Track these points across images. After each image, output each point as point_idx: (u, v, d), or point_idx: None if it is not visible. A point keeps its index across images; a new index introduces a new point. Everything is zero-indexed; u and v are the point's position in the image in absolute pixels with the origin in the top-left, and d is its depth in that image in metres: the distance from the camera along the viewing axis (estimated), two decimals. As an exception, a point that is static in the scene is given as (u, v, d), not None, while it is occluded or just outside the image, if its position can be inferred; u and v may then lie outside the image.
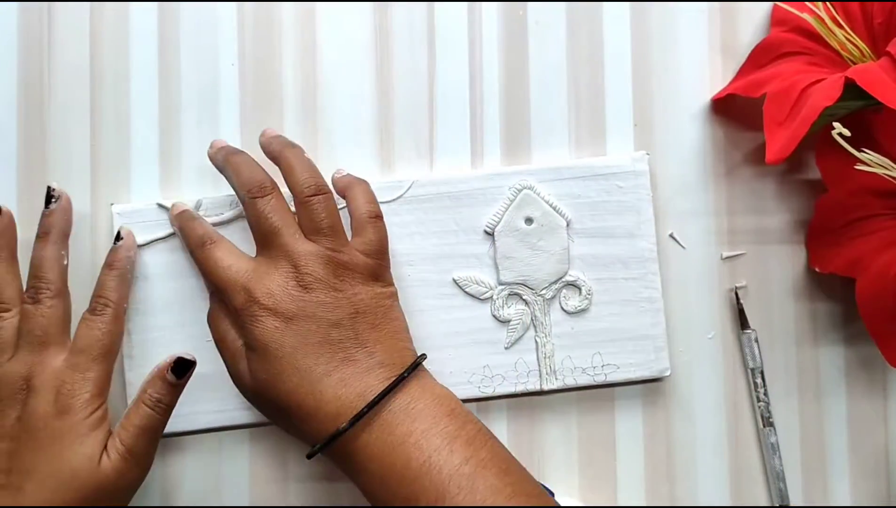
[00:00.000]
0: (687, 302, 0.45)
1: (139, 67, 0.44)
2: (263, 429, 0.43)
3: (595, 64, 0.45)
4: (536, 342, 0.44)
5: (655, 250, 0.44)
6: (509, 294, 0.44)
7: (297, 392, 0.36)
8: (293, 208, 0.39)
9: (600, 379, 0.44)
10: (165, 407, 0.39)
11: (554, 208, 0.44)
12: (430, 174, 0.45)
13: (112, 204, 0.43)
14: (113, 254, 0.41)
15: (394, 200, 0.43)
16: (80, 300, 0.41)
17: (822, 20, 0.42)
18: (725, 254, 0.45)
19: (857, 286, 0.42)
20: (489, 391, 0.43)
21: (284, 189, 0.40)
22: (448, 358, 0.43)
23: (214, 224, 0.43)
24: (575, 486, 0.44)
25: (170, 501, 0.43)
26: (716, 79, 0.46)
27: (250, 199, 0.38)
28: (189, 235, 0.40)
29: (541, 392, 0.44)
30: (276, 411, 0.37)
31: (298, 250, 0.37)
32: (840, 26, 0.42)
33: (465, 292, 0.44)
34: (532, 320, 0.44)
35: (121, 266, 0.41)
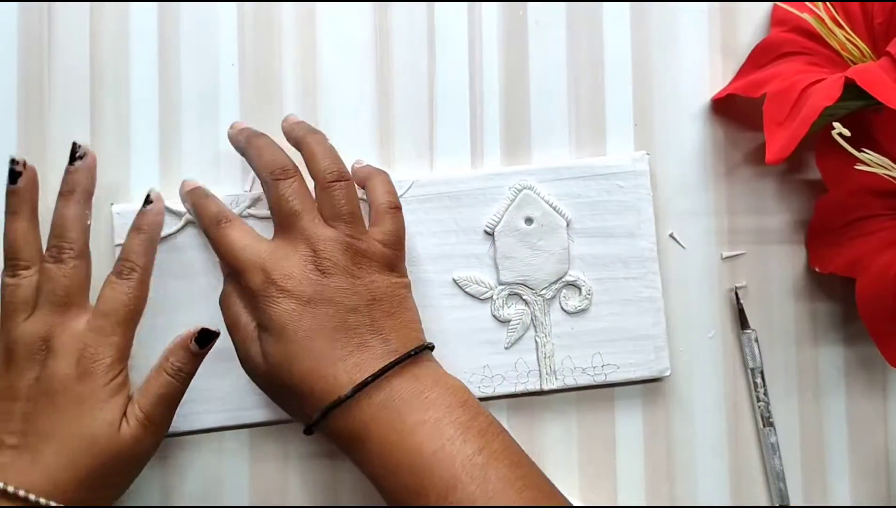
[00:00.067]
0: (687, 302, 0.45)
1: (139, 67, 0.44)
2: (263, 429, 0.43)
3: (595, 64, 0.45)
4: (536, 342, 0.44)
5: (655, 250, 0.44)
6: (509, 294, 0.44)
7: (311, 375, 0.35)
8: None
9: (600, 379, 0.44)
10: (186, 376, 0.39)
11: (554, 208, 0.44)
12: (430, 174, 0.45)
13: (112, 204, 0.43)
14: (141, 217, 0.41)
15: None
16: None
17: (822, 20, 0.42)
18: (725, 254, 0.45)
19: (857, 286, 0.42)
20: (489, 391, 0.43)
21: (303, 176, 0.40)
22: (448, 358, 0.43)
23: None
24: (575, 486, 0.44)
25: (170, 501, 0.43)
26: (716, 79, 0.46)
27: (273, 180, 0.38)
28: (203, 213, 0.40)
29: (541, 392, 0.44)
30: (287, 394, 0.37)
31: (318, 234, 0.37)
32: (840, 26, 0.42)
33: (465, 292, 0.44)
34: (532, 320, 0.44)
35: (149, 230, 0.40)
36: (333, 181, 0.38)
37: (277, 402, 0.39)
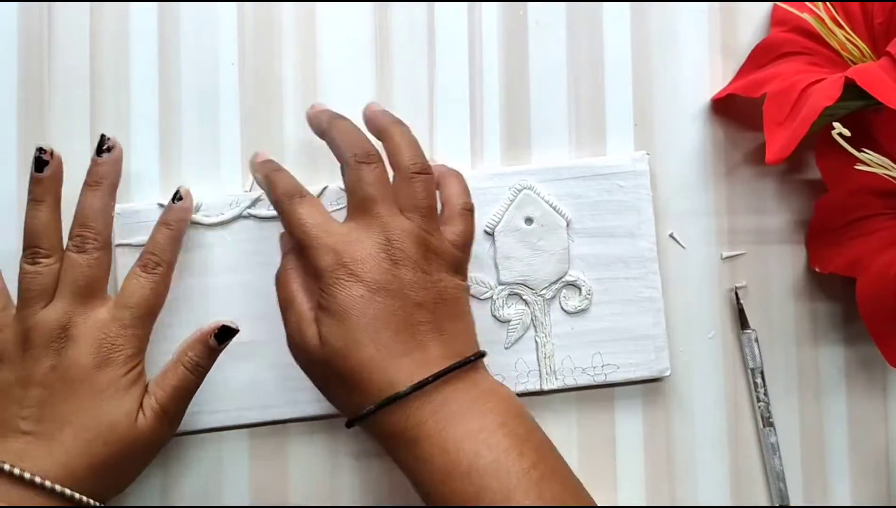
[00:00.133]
0: (687, 302, 0.45)
1: (139, 67, 0.44)
2: (263, 429, 0.43)
3: (595, 64, 0.45)
4: (536, 342, 0.44)
5: (655, 250, 0.44)
6: (509, 294, 0.44)
7: (369, 366, 0.35)
8: None
9: (600, 379, 0.44)
10: (203, 370, 0.39)
11: (554, 208, 0.44)
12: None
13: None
14: (169, 212, 0.41)
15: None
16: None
17: (822, 20, 0.42)
18: (725, 254, 0.45)
19: (857, 286, 0.42)
20: (489, 391, 0.43)
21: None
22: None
23: (214, 225, 0.43)
24: (575, 486, 0.44)
25: (170, 501, 0.43)
26: (716, 79, 0.46)
27: (356, 163, 0.37)
28: (276, 185, 0.39)
29: (541, 392, 0.44)
30: (337, 382, 0.36)
31: (393, 224, 0.36)
32: (840, 26, 0.42)
33: (465, 292, 0.44)
34: (532, 320, 0.44)
35: (176, 226, 0.41)
36: (416, 173, 0.38)
37: (322, 389, 0.38)
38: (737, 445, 0.45)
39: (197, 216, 0.43)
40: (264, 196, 0.43)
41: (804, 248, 0.45)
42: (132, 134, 0.44)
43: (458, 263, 0.38)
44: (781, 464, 0.44)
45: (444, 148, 0.45)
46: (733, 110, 0.45)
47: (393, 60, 0.45)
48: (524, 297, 0.44)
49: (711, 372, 0.45)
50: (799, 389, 0.45)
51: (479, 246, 0.44)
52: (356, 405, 0.35)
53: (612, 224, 0.44)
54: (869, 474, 0.45)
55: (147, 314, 0.39)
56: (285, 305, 0.38)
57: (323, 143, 0.45)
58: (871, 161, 0.40)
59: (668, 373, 0.44)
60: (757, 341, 0.44)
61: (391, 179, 0.38)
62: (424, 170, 0.38)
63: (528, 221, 0.44)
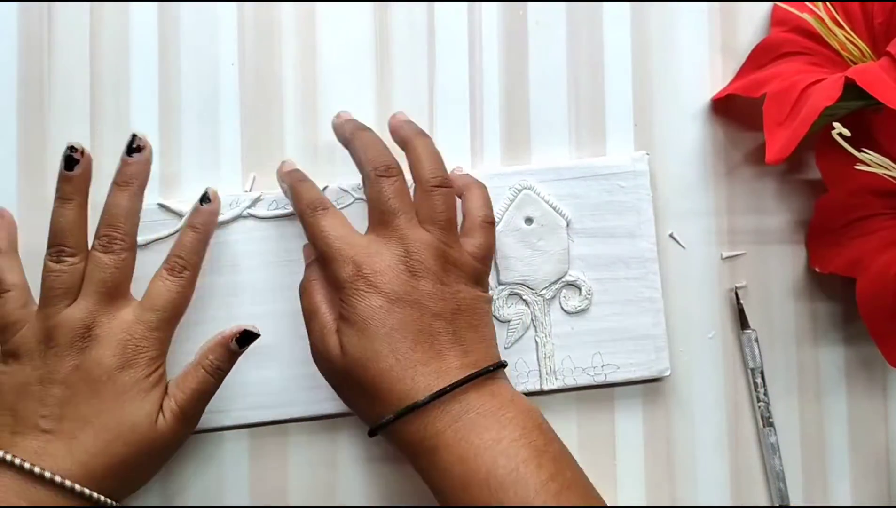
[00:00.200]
0: (687, 302, 0.45)
1: (139, 67, 0.44)
2: (263, 429, 0.43)
3: (595, 64, 0.45)
4: (536, 342, 0.44)
5: (655, 250, 0.44)
6: (509, 294, 0.44)
7: (388, 375, 0.35)
8: None
9: (600, 379, 0.44)
10: (222, 373, 0.40)
11: (554, 208, 0.44)
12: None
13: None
14: (196, 215, 0.41)
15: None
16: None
17: (822, 20, 0.42)
18: (725, 254, 0.45)
19: (857, 286, 0.42)
20: (489, 391, 0.43)
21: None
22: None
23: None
24: (575, 486, 0.44)
25: (170, 501, 0.43)
26: (716, 79, 0.46)
27: (376, 176, 0.38)
28: (301, 196, 0.39)
29: (541, 392, 0.44)
30: (358, 391, 0.36)
31: (413, 236, 0.37)
32: (840, 26, 0.42)
33: (465, 292, 0.44)
34: (532, 320, 0.44)
35: (203, 229, 0.41)
36: (436, 186, 0.38)
37: (344, 398, 0.38)
38: (737, 445, 0.45)
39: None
40: (264, 196, 0.43)
41: (804, 248, 0.45)
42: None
43: (478, 274, 0.39)
44: (781, 464, 0.44)
45: (444, 148, 0.44)
46: (733, 110, 0.45)
47: (393, 60, 0.45)
48: (524, 297, 0.44)
49: (711, 372, 0.45)
50: (799, 389, 0.45)
51: (479, 246, 0.44)
52: (376, 414, 0.36)
53: (612, 224, 0.44)
54: (869, 474, 0.45)
55: (172, 317, 0.39)
56: (309, 315, 0.38)
57: (323, 143, 0.45)
58: (871, 161, 0.40)
59: (668, 373, 0.44)
60: (757, 341, 0.44)
61: (411, 190, 0.39)
62: (444, 183, 0.39)
63: (528, 221, 0.44)
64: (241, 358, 0.40)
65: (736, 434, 0.45)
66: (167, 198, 0.43)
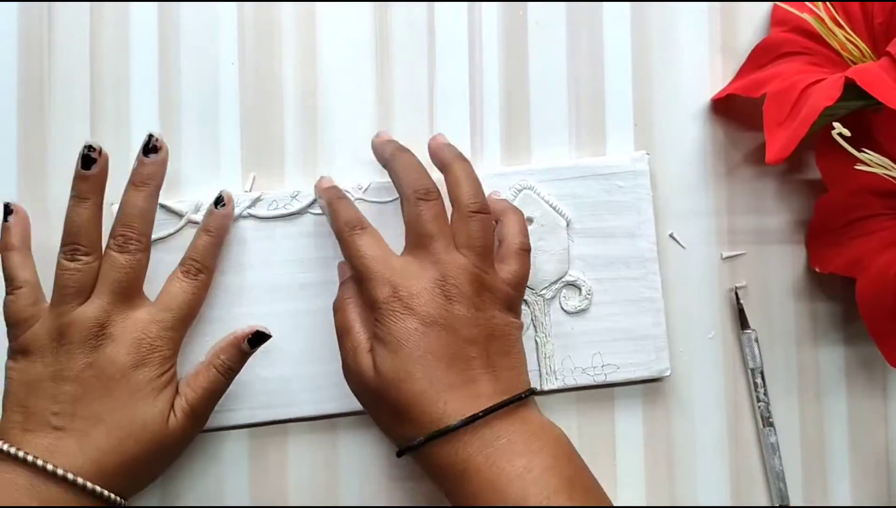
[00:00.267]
0: (687, 302, 0.45)
1: (139, 67, 0.44)
2: (264, 429, 0.43)
3: (595, 64, 0.45)
4: (536, 342, 0.44)
5: (655, 250, 0.44)
6: (509, 294, 0.44)
7: (421, 398, 0.35)
8: None
9: (600, 379, 0.44)
10: (233, 373, 0.40)
11: (554, 208, 0.44)
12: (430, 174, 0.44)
13: (112, 204, 0.43)
14: (211, 218, 0.41)
15: (394, 200, 0.43)
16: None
17: (822, 20, 0.42)
18: (725, 254, 0.45)
19: (857, 286, 0.42)
20: (489, 391, 0.43)
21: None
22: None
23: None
24: (575, 486, 0.44)
25: (170, 501, 0.43)
26: (716, 79, 0.46)
27: (416, 199, 0.38)
28: (339, 215, 0.40)
29: (541, 392, 0.44)
30: (390, 412, 0.36)
31: (449, 260, 0.37)
32: (840, 26, 0.42)
33: (465, 292, 0.44)
34: (532, 320, 0.44)
35: (217, 232, 0.41)
36: (475, 212, 0.38)
37: (373, 415, 0.38)
38: (737, 445, 0.45)
39: (195, 216, 0.43)
40: (264, 196, 0.43)
41: (804, 248, 0.45)
42: (132, 134, 0.44)
43: (511, 301, 0.39)
44: (781, 464, 0.44)
45: (444, 148, 0.45)
46: (733, 110, 0.45)
47: (393, 60, 0.45)
48: (524, 297, 0.44)
49: (711, 372, 0.45)
50: (799, 389, 0.45)
51: (479, 246, 0.44)
52: (406, 435, 0.36)
53: (612, 224, 0.44)
54: (869, 474, 0.45)
55: (186, 317, 0.40)
56: (342, 333, 0.38)
57: (322, 143, 0.45)
58: (871, 161, 0.40)
59: (668, 373, 0.44)
60: (757, 341, 0.44)
61: (449, 213, 0.39)
62: (483, 209, 0.39)
63: (529, 221, 0.44)
64: (241, 359, 0.40)
65: (736, 434, 0.45)
66: (167, 198, 0.43)
